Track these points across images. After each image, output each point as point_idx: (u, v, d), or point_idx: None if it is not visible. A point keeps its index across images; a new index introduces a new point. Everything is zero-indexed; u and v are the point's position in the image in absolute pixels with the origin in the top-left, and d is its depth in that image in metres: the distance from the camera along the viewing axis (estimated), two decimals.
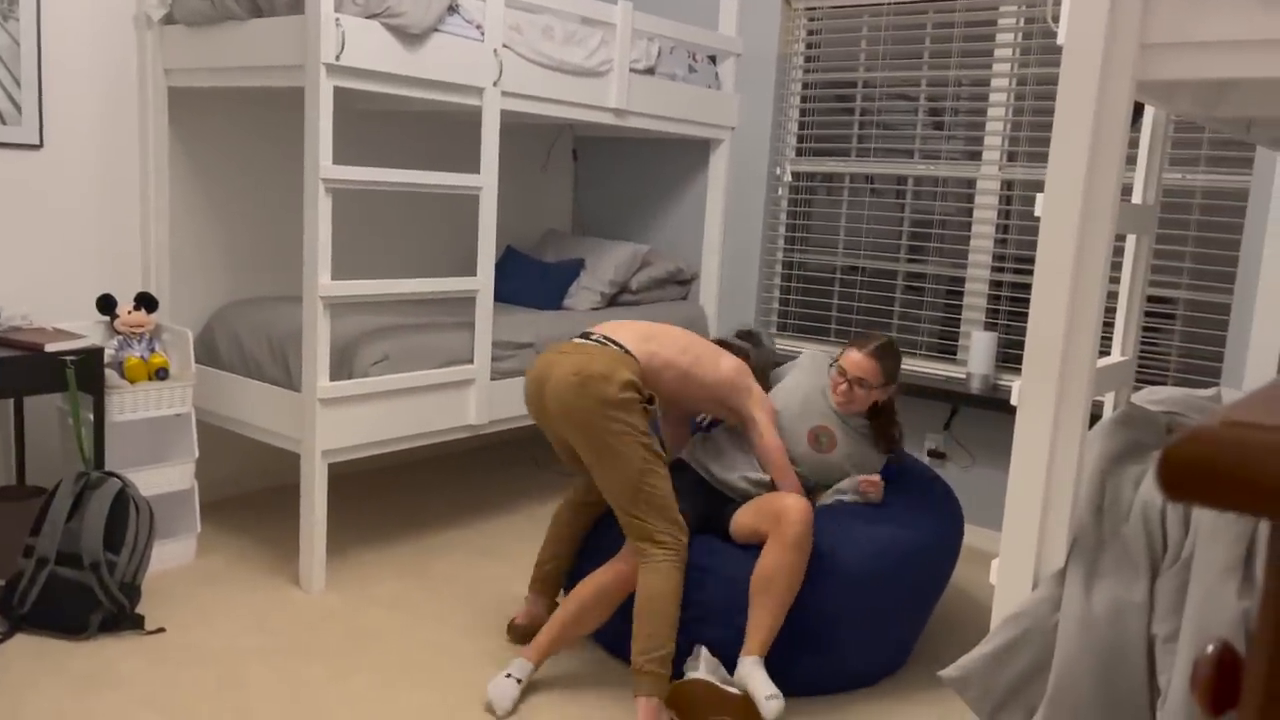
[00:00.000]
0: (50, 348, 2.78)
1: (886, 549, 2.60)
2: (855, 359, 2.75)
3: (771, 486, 2.71)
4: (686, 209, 4.59)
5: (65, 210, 3.27)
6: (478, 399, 3.40)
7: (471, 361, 3.41)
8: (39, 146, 3.18)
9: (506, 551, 3.47)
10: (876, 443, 2.86)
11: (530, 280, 4.20)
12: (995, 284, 3.85)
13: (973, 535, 3.87)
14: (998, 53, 3.74)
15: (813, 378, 2.89)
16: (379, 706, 2.44)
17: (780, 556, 2.44)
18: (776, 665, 2.52)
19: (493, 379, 3.48)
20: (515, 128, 4.61)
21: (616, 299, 4.28)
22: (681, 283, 4.52)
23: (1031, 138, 3.70)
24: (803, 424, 2.81)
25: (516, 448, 4.81)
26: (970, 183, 3.88)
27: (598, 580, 2.53)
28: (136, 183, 3.42)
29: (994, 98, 3.77)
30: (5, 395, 2.73)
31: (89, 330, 3.20)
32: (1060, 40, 1.57)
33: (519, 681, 2.46)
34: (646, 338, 2.60)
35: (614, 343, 2.55)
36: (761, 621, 2.44)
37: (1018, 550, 1.64)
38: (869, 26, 4.06)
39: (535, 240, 4.78)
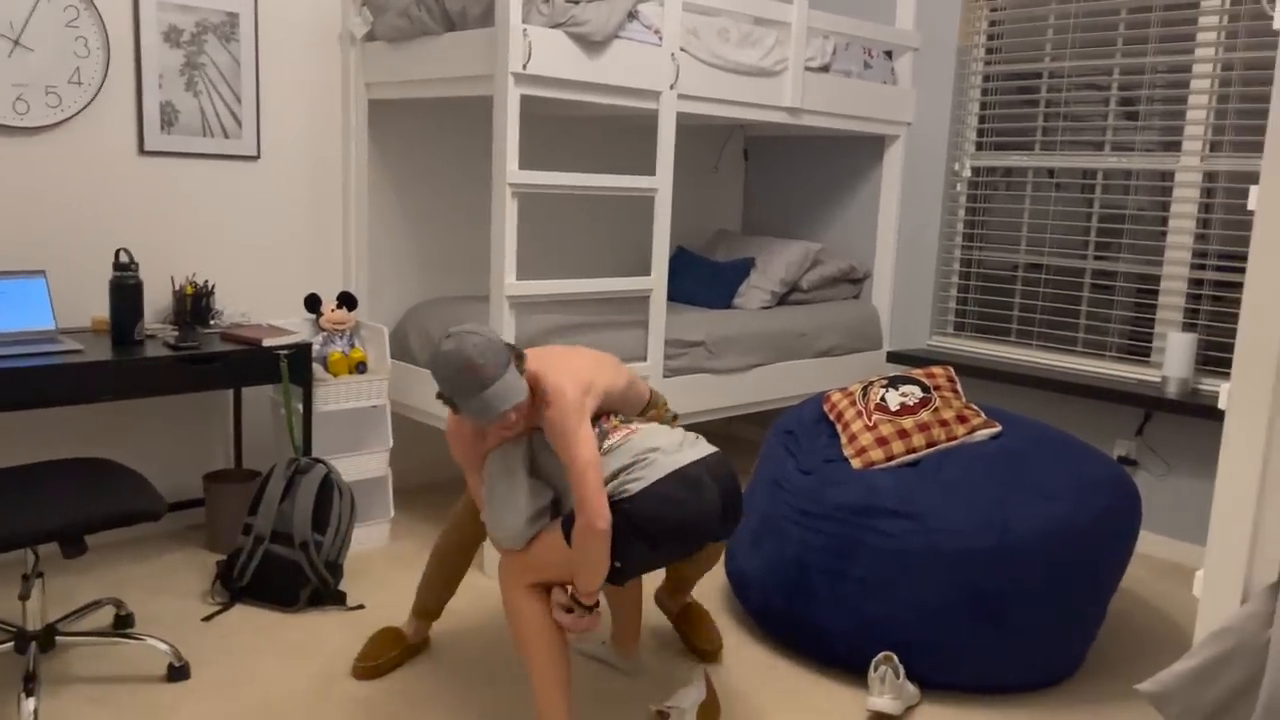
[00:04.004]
0: (267, 342, 3.04)
1: (1063, 526, 2.52)
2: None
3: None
4: (860, 207, 4.53)
5: (277, 216, 3.56)
6: None
7: (645, 359, 3.49)
8: (256, 158, 3.47)
9: None
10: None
11: (701, 280, 4.25)
12: (1195, 282, 3.62)
13: (1167, 548, 3.66)
14: (1200, 36, 3.51)
15: None
16: None
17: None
18: (947, 649, 2.49)
19: (665, 376, 3.55)
20: (687, 129, 4.67)
21: (787, 298, 4.27)
22: (854, 281, 4.47)
23: (1238, 125, 3.46)
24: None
25: None
26: (1167, 175, 3.66)
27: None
28: (339, 190, 3.68)
29: (1196, 84, 3.54)
30: (228, 386, 3.00)
31: (297, 327, 3.46)
32: (1278, 24, 1.48)
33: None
34: None
35: None
36: None
37: (1225, 563, 1.56)
38: (1056, 14, 3.89)
39: (706, 240, 4.83)
